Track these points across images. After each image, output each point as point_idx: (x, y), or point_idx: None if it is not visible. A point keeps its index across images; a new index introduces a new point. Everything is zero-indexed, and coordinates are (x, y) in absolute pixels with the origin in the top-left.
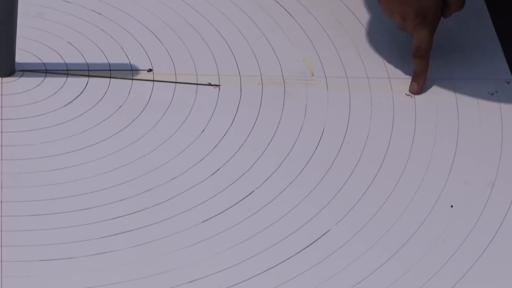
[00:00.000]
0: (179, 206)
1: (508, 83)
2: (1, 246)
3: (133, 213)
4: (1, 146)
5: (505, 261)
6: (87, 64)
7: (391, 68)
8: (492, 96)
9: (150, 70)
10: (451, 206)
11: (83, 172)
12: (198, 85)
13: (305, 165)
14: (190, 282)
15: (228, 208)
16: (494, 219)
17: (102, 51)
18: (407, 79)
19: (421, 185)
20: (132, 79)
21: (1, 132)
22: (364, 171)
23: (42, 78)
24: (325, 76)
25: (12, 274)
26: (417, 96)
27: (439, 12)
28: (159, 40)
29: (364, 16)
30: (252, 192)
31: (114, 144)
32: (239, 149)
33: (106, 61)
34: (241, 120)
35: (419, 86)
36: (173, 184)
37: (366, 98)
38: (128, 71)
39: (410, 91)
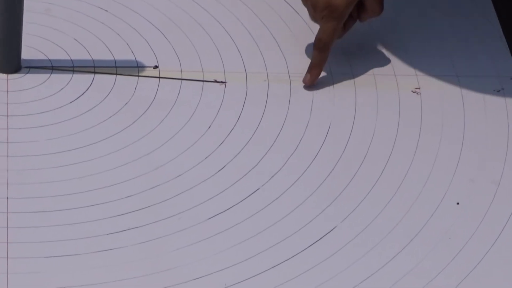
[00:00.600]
0: (185, 203)
1: None
2: (7, 242)
3: (139, 210)
4: (7, 142)
5: (511, 258)
6: (93, 61)
7: (397, 65)
8: (498, 93)
9: (156, 67)
10: (457, 204)
11: (89, 169)
12: (204, 82)
13: (311, 162)
14: (196, 279)
15: (234, 205)
16: (500, 216)
17: (108, 48)
18: (413, 76)
19: (427, 182)
20: (138, 76)
21: (7, 129)
22: (370, 168)
23: (48, 75)
24: (331, 73)
25: (18, 271)
26: (422, 93)
27: (348, 10)
28: (165, 37)
29: None
30: (258, 189)
31: (120, 141)
32: (245, 146)
33: (112, 58)
34: (247, 117)
35: (312, 78)
36: (179, 181)
37: (372, 95)
38: (134, 68)
39: (302, 81)
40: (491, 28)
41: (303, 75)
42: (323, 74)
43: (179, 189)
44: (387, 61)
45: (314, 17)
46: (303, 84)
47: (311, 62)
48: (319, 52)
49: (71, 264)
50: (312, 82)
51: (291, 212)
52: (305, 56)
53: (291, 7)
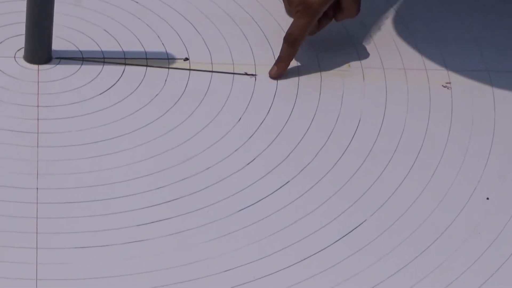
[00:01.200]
0: (214, 196)
1: None
2: (37, 233)
3: (168, 201)
4: (37, 133)
5: None
6: (124, 52)
7: (427, 59)
8: None
9: (186, 59)
10: (487, 199)
11: (119, 160)
12: (235, 75)
13: (341, 156)
14: (225, 271)
15: (263, 198)
16: None
17: (138, 40)
18: (444, 71)
19: (456, 177)
20: (169, 68)
21: (37, 119)
22: (400, 163)
23: (79, 66)
24: (362, 67)
25: (47, 261)
26: (453, 88)
27: (322, 8)
28: (195, 29)
29: (401, 7)
30: (288, 182)
31: (149, 133)
32: (275, 139)
33: (143, 50)
34: (277, 110)
35: (278, 71)
36: (209, 174)
37: (402, 89)
38: (164, 60)
39: (269, 73)
40: None
41: (335, 69)
42: (354, 66)
43: (209, 181)
44: (418, 56)
45: (288, 11)
46: (329, 77)
47: (279, 55)
48: (288, 46)
49: (101, 255)
50: (278, 75)
51: (320, 205)
52: (337, 50)
53: None
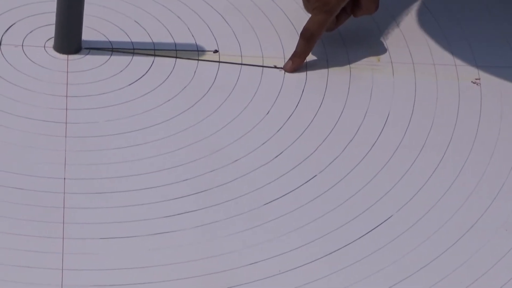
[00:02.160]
0: (241, 188)
1: None
2: (63, 223)
3: (195, 193)
4: (66, 123)
5: None
6: (153, 44)
7: (457, 55)
8: None
9: (216, 51)
10: None
11: (147, 151)
12: (264, 68)
13: (369, 151)
14: (251, 264)
15: (290, 191)
16: None
17: (168, 31)
18: (474, 67)
19: (484, 173)
20: (198, 59)
21: (66, 109)
22: (428, 158)
23: (108, 56)
24: (391, 62)
25: (73, 251)
26: (482, 84)
27: (340, 5)
28: (225, 21)
29: (432, 5)
30: (315, 176)
31: (178, 124)
32: (303, 132)
33: (172, 41)
34: (306, 104)
35: (293, 66)
36: (236, 166)
37: (431, 84)
38: (194, 52)
39: (283, 67)
40: None
41: (363, 63)
42: (383, 60)
43: (236, 174)
44: (447, 51)
45: (306, 7)
46: (359, 71)
47: (295, 50)
48: (304, 41)
49: (127, 246)
50: (293, 70)
51: (346, 200)
52: (367, 44)
53: None
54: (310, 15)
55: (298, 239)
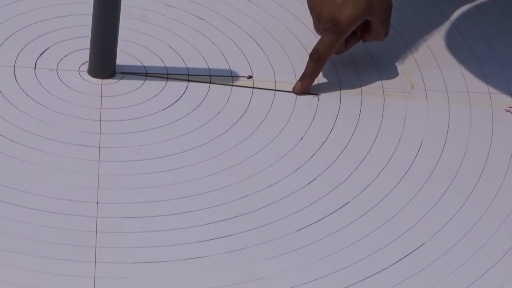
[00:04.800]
0: (274, 214)
1: None
2: (95, 247)
3: (228, 219)
4: (99, 147)
5: None
6: (187, 69)
7: (491, 83)
8: None
9: (250, 77)
10: None
11: (180, 176)
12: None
13: (402, 178)
14: None
15: (324, 217)
16: None
17: (202, 56)
18: (507, 95)
19: None
20: (232, 85)
21: (100, 134)
22: (461, 186)
23: (142, 81)
24: (425, 90)
25: (105, 275)
26: None
27: (351, 27)
28: (259, 47)
29: (466, 31)
30: (348, 202)
31: (211, 150)
32: (336, 158)
33: (206, 66)
34: (340, 130)
35: (302, 87)
36: (270, 192)
37: (465, 112)
38: (228, 77)
39: (292, 88)
40: None
41: (397, 90)
42: (416, 90)
43: (269, 199)
44: (481, 79)
45: (317, 28)
46: (393, 98)
47: (304, 72)
48: (313, 63)
49: (159, 271)
50: (301, 91)
51: (379, 227)
52: (400, 71)
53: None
54: (320, 37)
55: (330, 265)
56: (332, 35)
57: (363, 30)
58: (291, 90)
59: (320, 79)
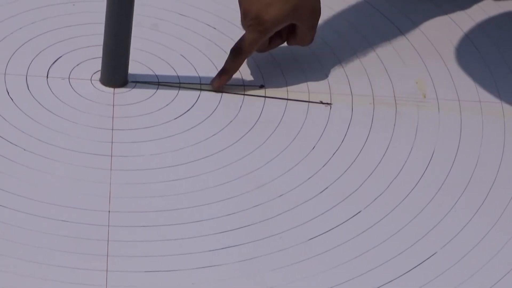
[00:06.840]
0: (286, 223)
1: None
2: (107, 255)
3: (240, 228)
4: (111, 156)
5: None
6: (200, 78)
7: (503, 92)
8: None
9: (262, 86)
10: None
11: (192, 185)
12: (310, 103)
13: (414, 187)
14: None
15: (335, 226)
16: None
17: (214, 65)
18: None
19: None
20: (244, 94)
21: (112, 142)
22: (473, 196)
23: (154, 90)
24: (437, 99)
25: (116, 284)
26: None
27: (275, 27)
28: (272, 56)
29: (478, 40)
30: (360, 212)
31: (223, 158)
32: (348, 168)
33: None
34: (352, 139)
35: (220, 83)
36: (281, 201)
37: (477, 121)
38: (240, 86)
39: (210, 83)
40: None
41: (409, 99)
42: (428, 99)
43: (281, 208)
44: (493, 88)
45: (242, 23)
46: (405, 107)
47: (223, 67)
48: (233, 58)
49: (170, 280)
50: (219, 87)
51: (391, 236)
52: (413, 80)
53: (400, 31)
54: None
55: (342, 274)
56: (255, 33)
57: (289, 33)
58: (303, 100)
59: (333, 88)
